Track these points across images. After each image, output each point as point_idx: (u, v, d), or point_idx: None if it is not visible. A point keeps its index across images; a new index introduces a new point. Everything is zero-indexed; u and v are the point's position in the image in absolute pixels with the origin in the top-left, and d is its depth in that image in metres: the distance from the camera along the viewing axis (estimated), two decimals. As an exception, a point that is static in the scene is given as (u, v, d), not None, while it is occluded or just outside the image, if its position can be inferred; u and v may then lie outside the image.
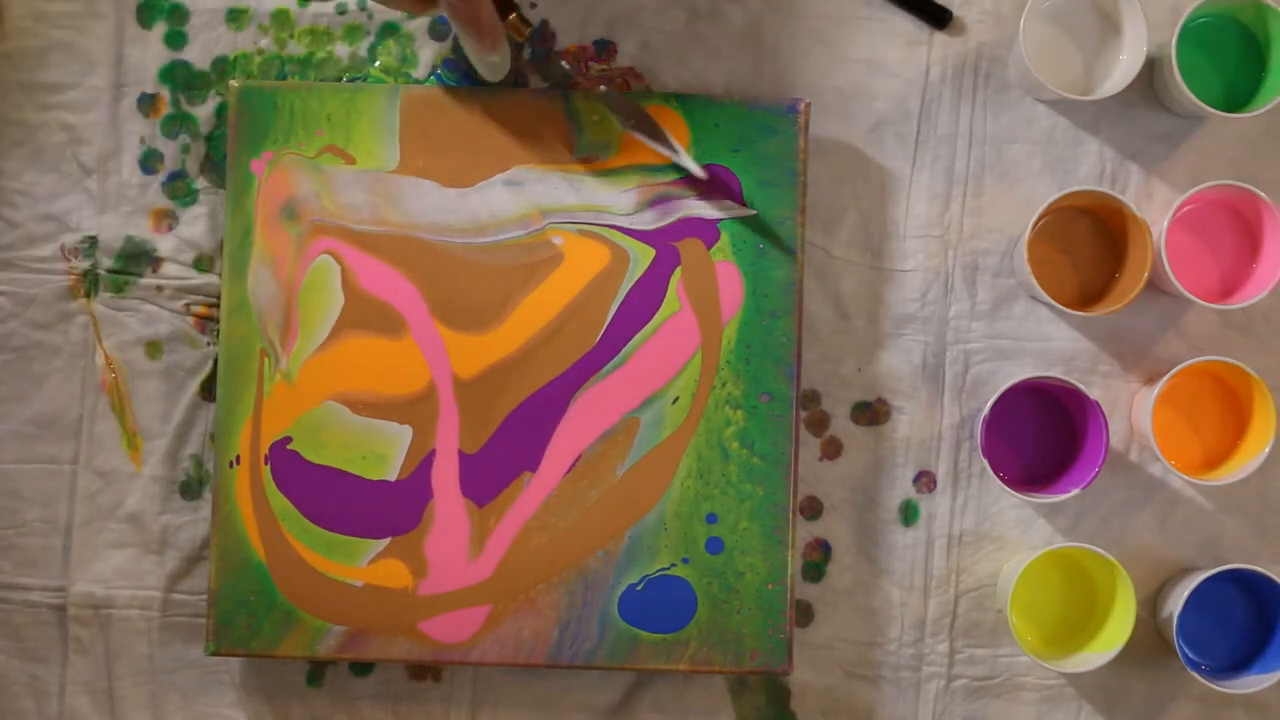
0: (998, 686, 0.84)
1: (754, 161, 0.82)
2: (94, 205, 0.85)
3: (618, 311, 0.82)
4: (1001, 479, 0.80)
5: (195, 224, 0.85)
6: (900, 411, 0.85)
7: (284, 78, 0.85)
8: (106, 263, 0.85)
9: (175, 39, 0.86)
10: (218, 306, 0.84)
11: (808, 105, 0.82)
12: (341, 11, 0.86)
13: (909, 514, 0.84)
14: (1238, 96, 0.83)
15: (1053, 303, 0.79)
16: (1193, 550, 0.84)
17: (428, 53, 0.86)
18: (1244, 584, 0.82)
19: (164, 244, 0.85)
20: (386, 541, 0.81)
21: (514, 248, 0.82)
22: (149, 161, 0.85)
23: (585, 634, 0.81)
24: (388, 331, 0.82)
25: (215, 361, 0.83)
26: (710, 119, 0.82)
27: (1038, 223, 0.82)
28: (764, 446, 0.81)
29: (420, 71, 0.86)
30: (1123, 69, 0.83)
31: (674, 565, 0.81)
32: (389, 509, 0.81)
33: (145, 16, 0.86)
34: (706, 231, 0.82)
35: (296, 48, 0.86)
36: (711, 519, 0.81)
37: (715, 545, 0.81)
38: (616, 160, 0.82)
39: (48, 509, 0.85)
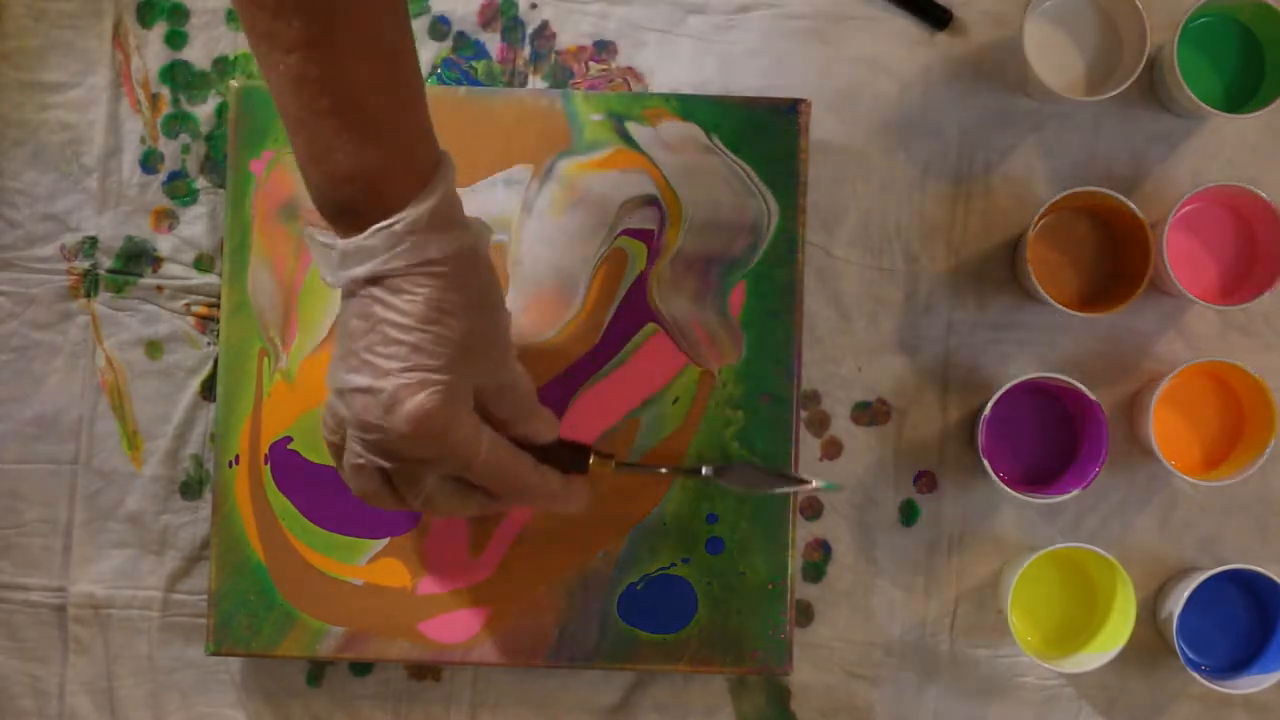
0: (998, 686, 0.84)
1: (754, 161, 0.82)
2: (94, 205, 0.85)
3: (617, 311, 0.82)
4: (1001, 479, 0.80)
5: (195, 224, 0.85)
6: (900, 411, 0.85)
7: (284, 78, 0.85)
8: (106, 263, 0.85)
9: (175, 39, 0.86)
10: (218, 306, 0.84)
11: (808, 105, 0.82)
12: (341, 11, 0.86)
13: (909, 514, 0.84)
14: (1238, 96, 0.83)
15: (1053, 303, 0.79)
16: (1193, 550, 0.84)
17: (428, 53, 0.86)
18: (1244, 584, 0.82)
19: (164, 244, 0.85)
20: (385, 541, 0.81)
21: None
22: (149, 161, 0.85)
23: (585, 634, 0.81)
24: (388, 331, 0.82)
25: (215, 361, 0.83)
26: (710, 119, 0.82)
27: (1038, 223, 0.82)
28: (764, 446, 0.81)
29: (420, 71, 0.86)
30: (1123, 69, 0.83)
31: (674, 565, 0.81)
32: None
33: (145, 16, 0.86)
34: (706, 231, 0.82)
35: (296, 48, 0.85)
36: (711, 519, 0.81)
37: (715, 545, 0.81)
38: (614, 160, 0.82)
39: (48, 509, 0.85)
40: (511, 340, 0.70)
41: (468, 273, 0.66)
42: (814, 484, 0.77)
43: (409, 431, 0.64)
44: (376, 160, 0.63)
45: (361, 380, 0.65)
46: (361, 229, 0.64)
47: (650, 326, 0.82)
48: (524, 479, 0.70)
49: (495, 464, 0.68)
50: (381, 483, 0.68)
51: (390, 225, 0.63)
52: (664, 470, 0.79)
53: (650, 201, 0.82)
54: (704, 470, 0.78)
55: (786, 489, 0.79)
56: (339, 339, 0.67)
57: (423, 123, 0.66)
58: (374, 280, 0.64)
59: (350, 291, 0.65)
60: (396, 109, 0.64)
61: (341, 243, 0.64)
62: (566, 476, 0.74)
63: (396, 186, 0.64)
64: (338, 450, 0.69)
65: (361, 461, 0.67)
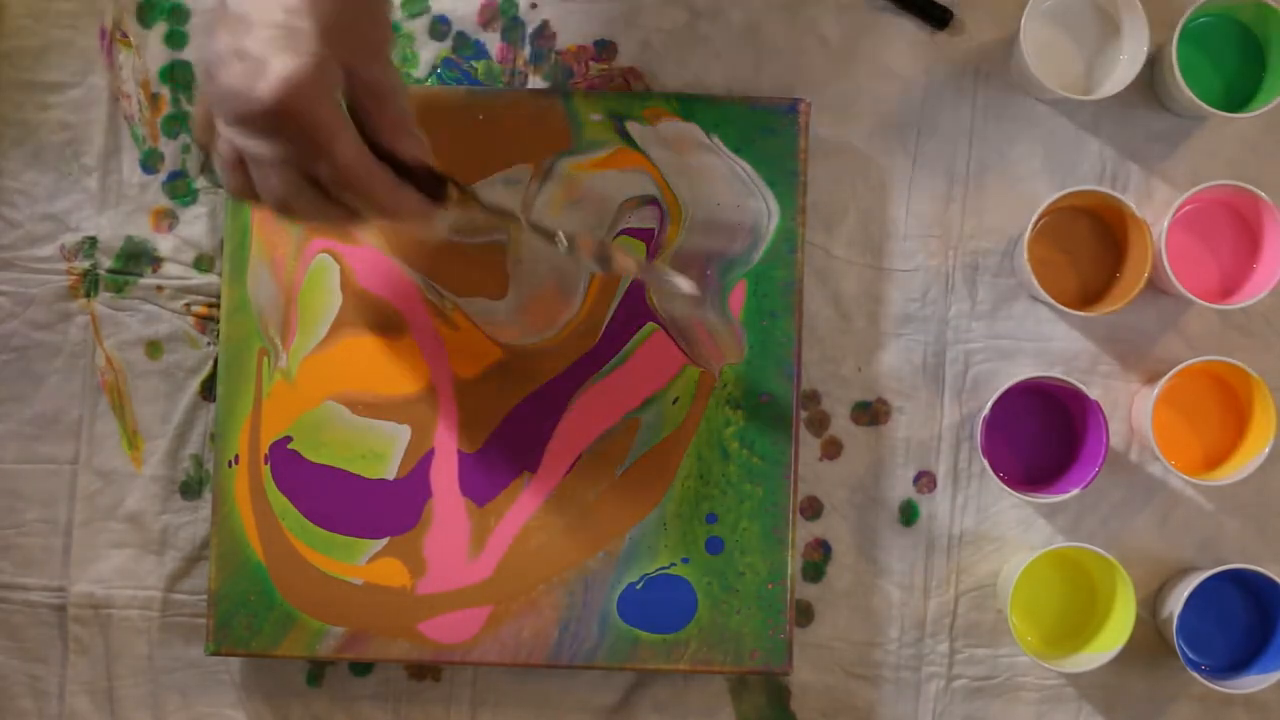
0: (998, 686, 0.84)
1: (754, 161, 0.82)
2: (94, 205, 0.85)
3: (617, 310, 0.82)
4: (1001, 479, 0.80)
5: (195, 224, 0.85)
6: (900, 411, 0.85)
7: (284, 77, 0.85)
8: (106, 263, 0.85)
9: (175, 39, 0.86)
10: (218, 306, 0.84)
11: (808, 105, 0.82)
12: (341, 11, 0.86)
13: (909, 514, 0.84)
14: (1238, 96, 0.83)
15: (1053, 303, 0.79)
16: (1193, 550, 0.84)
17: (428, 53, 0.86)
18: (1244, 584, 0.82)
19: (164, 244, 0.85)
20: (385, 541, 0.81)
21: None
22: (149, 161, 0.85)
23: (585, 634, 0.81)
24: (387, 331, 0.82)
25: (215, 361, 0.83)
26: (710, 119, 0.82)
27: (1038, 223, 0.82)
28: (764, 446, 0.81)
29: (420, 71, 0.86)
30: (1123, 69, 0.83)
31: (674, 565, 0.81)
32: (387, 508, 0.81)
33: (145, 16, 0.86)
34: (706, 231, 0.82)
35: (296, 47, 0.85)
36: (711, 519, 0.81)
37: (715, 545, 0.81)
38: (614, 159, 0.82)
39: (48, 509, 0.85)
40: (392, 36, 0.66)
41: None
42: (676, 282, 0.75)
43: (274, 98, 0.61)
44: None
45: (230, 44, 0.62)
46: None
47: (650, 326, 0.82)
48: (380, 190, 0.66)
49: (353, 165, 0.64)
50: (246, 177, 0.65)
51: None
52: (516, 216, 0.74)
53: (650, 201, 0.82)
54: (558, 237, 0.73)
55: (652, 277, 0.77)
56: (210, 17, 0.64)
57: None
58: None
59: None
60: None
61: None
62: (420, 195, 0.69)
63: None
64: (206, 146, 0.67)
65: (228, 152, 0.64)
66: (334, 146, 0.63)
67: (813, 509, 0.84)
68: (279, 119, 0.62)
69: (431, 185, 0.69)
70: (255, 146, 0.63)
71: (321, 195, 0.65)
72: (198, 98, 0.65)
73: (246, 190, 0.66)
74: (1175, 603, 0.80)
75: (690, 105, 0.82)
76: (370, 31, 0.65)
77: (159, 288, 0.85)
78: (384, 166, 0.66)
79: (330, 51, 0.62)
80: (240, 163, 0.65)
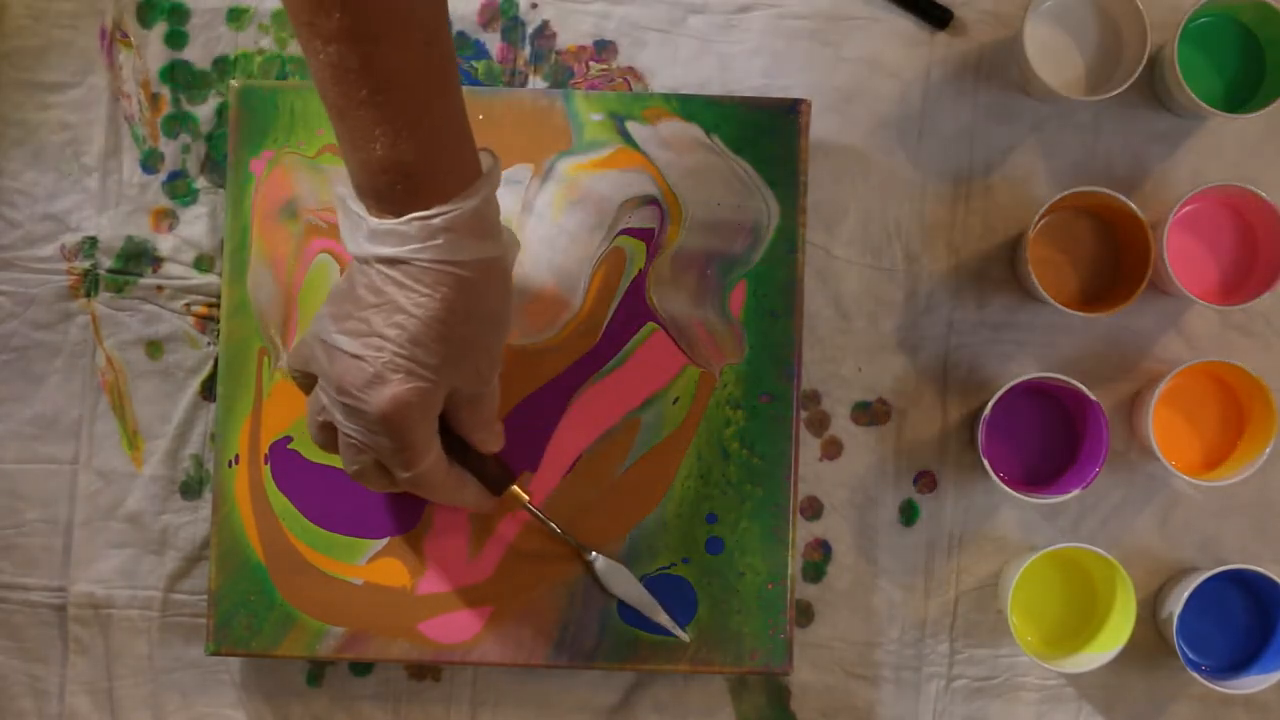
0: (998, 686, 0.84)
1: (754, 161, 0.82)
2: (94, 205, 0.85)
3: (617, 310, 0.82)
4: (1001, 479, 0.80)
5: (195, 224, 0.85)
6: (900, 412, 0.85)
7: (284, 77, 0.85)
8: (107, 263, 0.85)
9: (175, 39, 0.86)
10: (218, 306, 0.84)
11: (808, 105, 0.82)
12: (342, 11, 0.86)
13: (909, 514, 0.84)
14: (1238, 96, 0.83)
15: (1053, 303, 0.79)
16: (1193, 550, 0.84)
17: (428, 53, 0.86)
18: (1244, 584, 0.82)
19: (164, 244, 0.85)
20: (385, 541, 0.81)
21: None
22: (149, 161, 0.85)
23: (585, 634, 0.81)
24: (388, 331, 0.82)
25: (215, 361, 0.83)
26: (710, 119, 0.82)
27: (1038, 223, 0.82)
28: (764, 446, 0.81)
29: (420, 71, 0.85)
30: (1123, 69, 0.83)
31: (674, 565, 0.81)
32: (387, 508, 0.81)
33: (145, 16, 0.86)
34: (706, 231, 0.82)
35: (297, 47, 0.85)
36: (711, 519, 0.81)
37: (715, 545, 0.81)
38: (615, 159, 0.82)
39: (48, 509, 0.85)
40: (501, 363, 0.71)
41: (489, 283, 0.67)
42: (673, 629, 0.80)
43: (380, 413, 0.66)
44: (414, 153, 0.63)
45: (353, 346, 0.66)
46: (397, 215, 0.64)
47: (650, 326, 0.82)
48: (444, 493, 0.73)
49: (428, 475, 0.70)
50: (331, 437, 0.71)
51: (429, 217, 0.64)
52: (557, 531, 0.79)
53: (650, 201, 0.82)
54: (591, 555, 0.80)
55: (650, 613, 0.80)
56: (337, 296, 0.68)
57: (460, 119, 0.66)
58: (395, 261, 0.65)
59: (366, 261, 0.66)
60: (434, 102, 0.64)
61: (374, 220, 0.65)
62: (479, 488, 0.76)
63: (434, 182, 0.64)
64: (305, 386, 0.72)
65: (323, 419, 0.70)
66: (418, 463, 0.69)
67: (813, 509, 0.84)
68: (381, 426, 0.67)
69: (496, 473, 0.77)
70: (348, 428, 0.68)
71: (391, 479, 0.72)
72: (305, 347, 0.70)
73: (329, 445, 0.72)
74: (1175, 603, 0.80)
75: (690, 105, 0.82)
76: (484, 367, 0.70)
77: (159, 288, 0.85)
78: (453, 470, 0.73)
79: (444, 381, 0.67)
80: (330, 426, 0.70)
